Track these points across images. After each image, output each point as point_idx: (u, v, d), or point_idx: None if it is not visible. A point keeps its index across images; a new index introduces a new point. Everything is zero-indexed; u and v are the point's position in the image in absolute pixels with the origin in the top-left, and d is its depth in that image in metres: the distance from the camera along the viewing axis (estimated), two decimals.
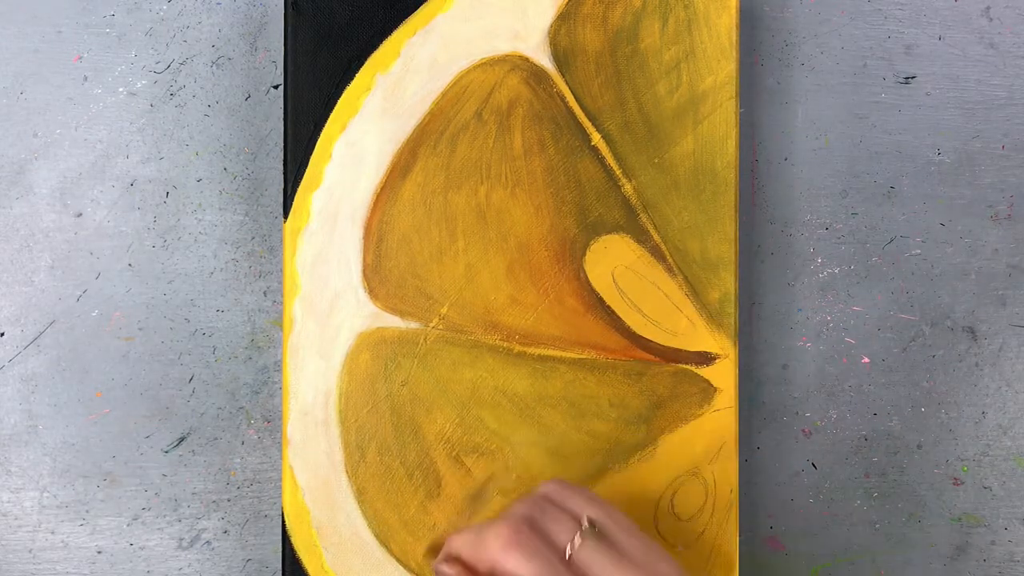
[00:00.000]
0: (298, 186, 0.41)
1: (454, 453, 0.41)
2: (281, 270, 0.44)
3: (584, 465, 0.42)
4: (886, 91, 0.46)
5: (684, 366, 0.42)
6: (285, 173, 0.41)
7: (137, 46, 0.44)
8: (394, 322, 0.41)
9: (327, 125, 0.41)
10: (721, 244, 0.42)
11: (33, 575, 0.43)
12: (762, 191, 0.45)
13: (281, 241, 0.44)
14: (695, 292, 0.42)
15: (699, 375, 0.42)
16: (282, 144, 0.42)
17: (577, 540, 0.34)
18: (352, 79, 0.41)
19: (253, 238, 0.44)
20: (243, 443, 0.44)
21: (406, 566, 0.41)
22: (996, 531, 0.46)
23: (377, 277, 0.41)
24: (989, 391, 0.46)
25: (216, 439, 0.44)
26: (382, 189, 0.41)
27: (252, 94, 0.44)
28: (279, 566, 0.44)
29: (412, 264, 0.41)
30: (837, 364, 0.45)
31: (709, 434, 0.42)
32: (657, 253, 0.42)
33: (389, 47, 0.41)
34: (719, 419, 0.42)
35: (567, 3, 0.42)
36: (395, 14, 0.42)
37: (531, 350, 0.42)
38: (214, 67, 0.44)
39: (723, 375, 0.42)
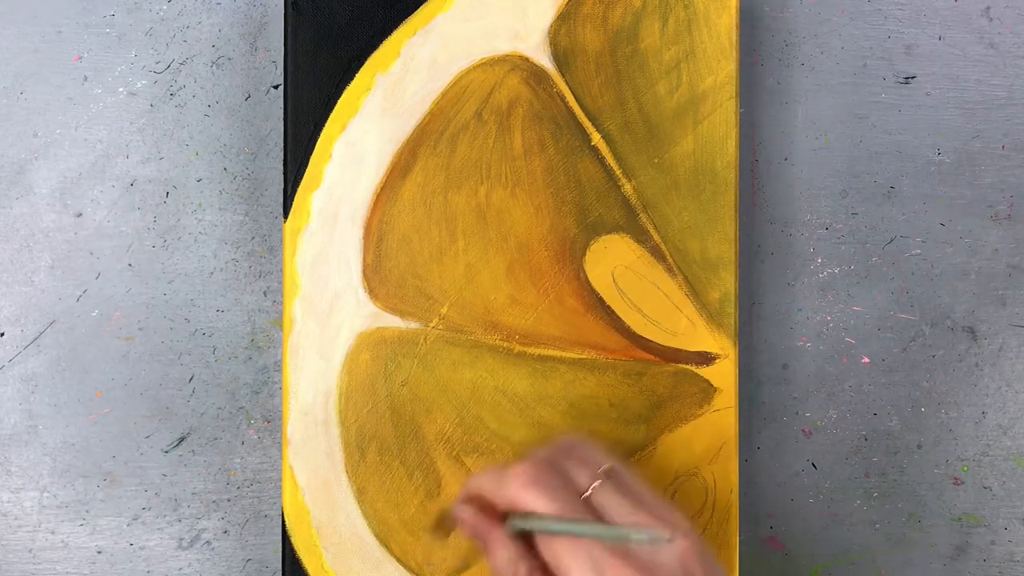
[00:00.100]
0: (298, 186, 0.41)
1: (454, 453, 0.41)
2: (281, 270, 0.44)
3: None
4: (886, 91, 0.46)
5: (684, 366, 0.42)
6: (285, 173, 0.41)
7: (137, 46, 0.44)
8: (394, 322, 0.41)
9: (327, 125, 0.41)
10: (721, 244, 0.42)
11: (33, 575, 0.43)
12: (762, 191, 0.45)
13: (281, 241, 0.44)
14: (695, 292, 0.42)
15: (699, 375, 0.42)
16: (282, 144, 0.42)
17: (596, 483, 0.34)
18: (352, 79, 0.41)
19: (253, 238, 0.44)
20: (243, 443, 0.44)
21: (406, 566, 0.41)
22: (996, 531, 0.46)
23: (377, 277, 0.41)
24: (989, 391, 0.46)
25: (216, 439, 0.44)
26: (382, 189, 0.41)
27: (252, 94, 0.44)
28: (279, 566, 0.44)
29: (412, 264, 0.42)
30: (837, 364, 0.45)
31: (709, 434, 0.42)
32: (657, 253, 0.42)
33: (389, 47, 0.41)
34: (719, 419, 0.42)
35: (567, 3, 0.42)
36: (395, 14, 0.42)
37: (531, 350, 0.42)
38: (214, 67, 0.44)
39: (723, 375, 0.42)
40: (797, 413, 0.45)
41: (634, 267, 0.42)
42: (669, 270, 0.42)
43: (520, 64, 0.42)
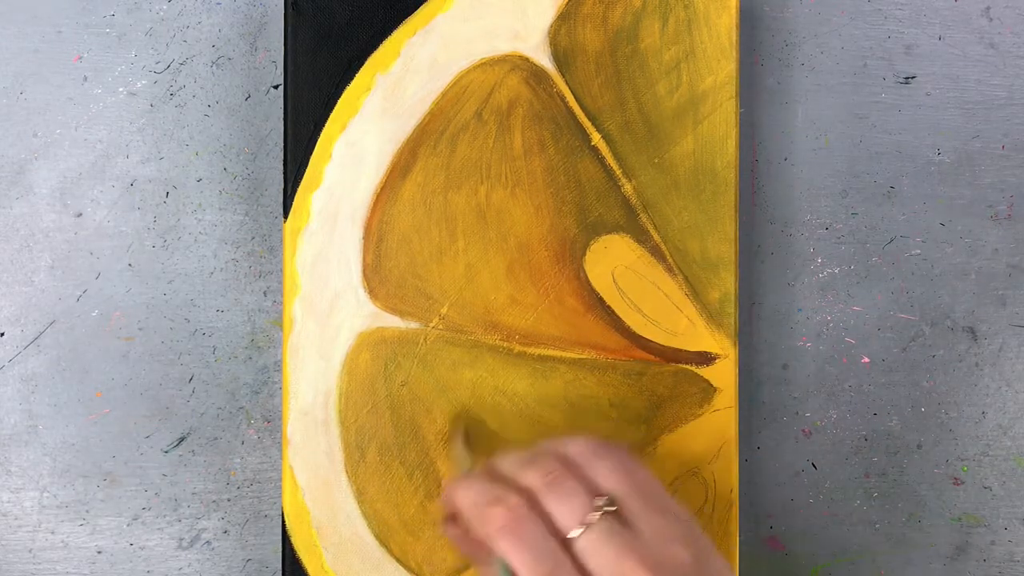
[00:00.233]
0: (298, 186, 0.41)
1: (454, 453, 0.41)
2: (281, 270, 0.44)
3: None
4: (886, 91, 0.46)
5: (684, 366, 0.42)
6: (285, 173, 0.41)
7: (137, 46, 0.44)
8: (394, 322, 0.41)
9: (327, 125, 0.41)
10: (721, 244, 0.42)
11: (33, 575, 0.43)
12: (762, 191, 0.45)
13: (281, 241, 0.44)
14: (695, 292, 0.42)
15: (699, 375, 0.42)
16: (282, 144, 0.42)
17: (589, 519, 0.31)
18: (352, 79, 0.41)
19: (253, 238, 0.44)
20: (243, 443, 0.44)
21: (406, 566, 0.41)
22: (996, 531, 0.46)
23: (377, 277, 0.41)
24: (989, 391, 0.46)
25: (216, 439, 0.44)
26: (382, 189, 0.41)
27: (252, 94, 0.44)
28: (279, 566, 0.44)
29: (412, 264, 0.42)
30: (837, 364, 0.45)
31: (709, 434, 0.42)
32: (657, 253, 0.42)
33: (389, 47, 0.41)
34: (719, 419, 0.42)
35: (567, 3, 0.42)
36: (395, 14, 0.42)
37: (531, 350, 0.42)
38: (214, 67, 0.44)
39: (723, 375, 0.42)
40: (797, 413, 0.45)
41: (634, 267, 0.42)
42: (669, 270, 0.42)
43: (520, 64, 0.42)
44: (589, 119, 0.42)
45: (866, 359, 0.46)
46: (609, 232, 0.42)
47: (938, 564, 0.46)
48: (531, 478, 0.33)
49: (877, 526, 0.45)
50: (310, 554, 0.41)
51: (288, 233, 0.41)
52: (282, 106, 0.42)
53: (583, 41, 0.42)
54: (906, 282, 0.46)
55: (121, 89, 0.44)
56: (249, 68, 0.44)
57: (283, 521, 0.41)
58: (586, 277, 0.42)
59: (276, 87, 0.44)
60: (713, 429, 0.42)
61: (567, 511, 0.31)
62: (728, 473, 0.42)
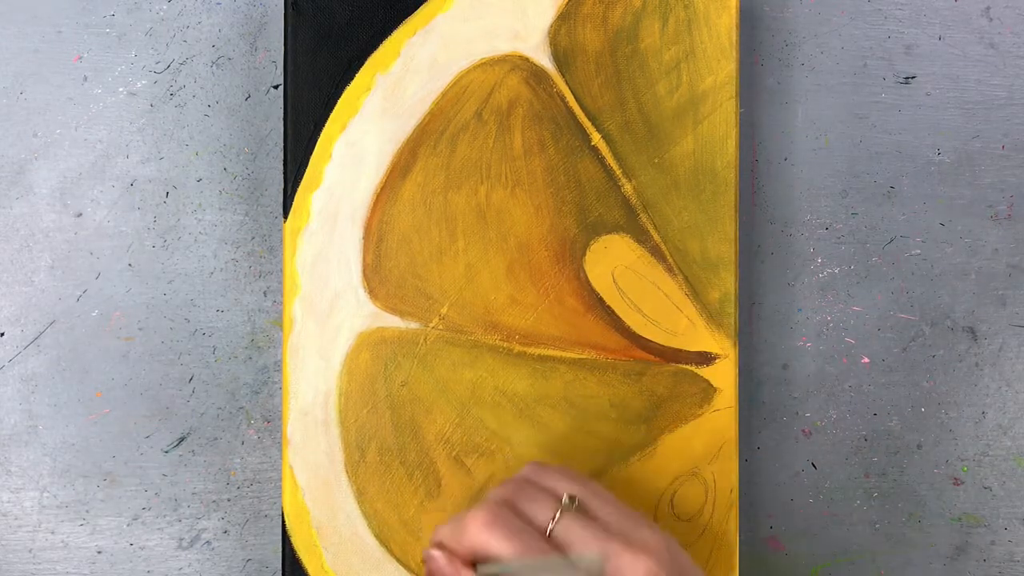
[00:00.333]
0: (298, 186, 0.41)
1: (454, 453, 0.41)
2: (281, 270, 0.44)
3: (584, 465, 0.42)
4: (886, 91, 0.46)
5: (684, 366, 0.42)
6: (285, 173, 0.41)
7: (137, 46, 0.44)
8: (394, 322, 0.41)
9: (327, 125, 0.41)
10: (721, 244, 0.42)
11: (33, 575, 0.43)
12: (762, 191, 0.45)
13: (281, 241, 0.44)
14: (695, 292, 0.42)
15: (699, 375, 0.42)
16: (282, 144, 0.42)
17: (556, 516, 0.33)
18: (352, 79, 0.41)
19: (253, 238, 0.44)
20: (243, 443, 0.44)
21: (406, 566, 0.41)
22: (996, 531, 0.46)
23: (377, 277, 0.41)
24: (989, 391, 0.46)
25: (216, 439, 0.44)
26: (382, 189, 0.41)
27: (252, 94, 0.44)
28: (279, 566, 0.44)
29: (412, 264, 0.42)
30: (837, 364, 0.45)
31: (709, 434, 0.42)
32: (657, 253, 0.42)
33: (389, 47, 0.41)
34: (719, 419, 0.42)
35: (567, 3, 0.42)
36: (395, 14, 0.42)
37: (531, 350, 0.42)
38: (214, 67, 0.44)
39: (723, 375, 0.42)
40: (797, 413, 0.45)
41: (634, 267, 0.42)
42: (669, 270, 0.42)
43: (520, 64, 0.42)
44: (589, 119, 0.42)
45: (866, 359, 0.46)
46: (609, 232, 0.42)
47: (938, 564, 0.46)
48: (498, 493, 0.35)
49: (877, 526, 0.46)
50: (310, 554, 0.41)
51: (288, 233, 0.41)
52: (282, 106, 0.42)
53: (583, 41, 0.42)
54: (906, 282, 0.46)
55: (121, 89, 0.44)
56: (249, 68, 0.44)
57: (283, 521, 0.41)
58: (586, 277, 0.42)
59: (276, 87, 0.44)
60: (713, 429, 0.42)
61: (538, 509, 0.34)
62: (728, 473, 0.42)
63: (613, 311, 0.42)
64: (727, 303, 0.42)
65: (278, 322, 0.44)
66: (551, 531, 0.33)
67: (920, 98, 0.46)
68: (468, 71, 0.42)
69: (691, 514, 0.42)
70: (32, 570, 0.43)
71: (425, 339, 0.41)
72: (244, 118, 0.44)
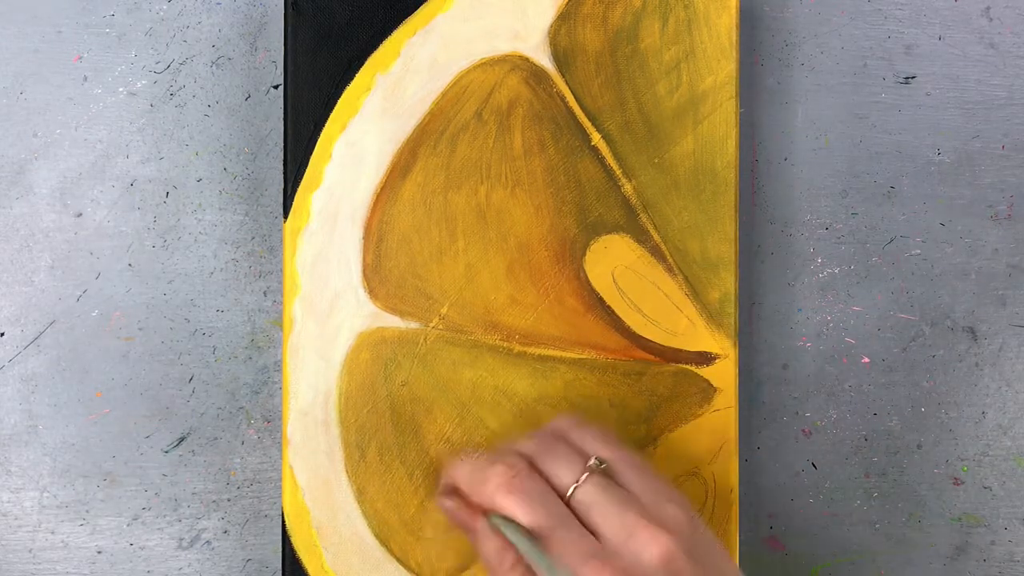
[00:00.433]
0: (298, 186, 0.41)
1: (455, 453, 0.41)
2: (281, 270, 0.44)
3: None
4: (886, 91, 0.46)
5: (684, 366, 0.42)
6: (285, 173, 0.41)
7: (137, 46, 0.44)
8: (394, 322, 0.41)
9: (327, 125, 0.41)
10: (721, 244, 0.42)
11: (33, 575, 0.43)
12: (762, 191, 0.45)
13: (281, 241, 0.44)
14: (695, 292, 0.42)
15: (699, 375, 0.42)
16: (282, 144, 0.42)
17: (581, 479, 0.32)
18: (352, 79, 0.41)
19: (253, 238, 0.44)
20: (243, 443, 0.44)
21: (406, 566, 0.41)
22: (996, 531, 0.46)
23: (377, 277, 0.41)
24: (989, 391, 0.46)
25: (216, 439, 0.44)
26: (382, 189, 0.42)
27: (252, 94, 0.44)
28: (279, 566, 0.44)
29: (412, 264, 0.42)
30: (837, 364, 0.45)
31: (709, 434, 0.42)
32: (657, 253, 0.42)
33: (389, 47, 0.41)
34: (719, 419, 0.42)
35: (567, 3, 0.42)
36: (395, 14, 0.42)
37: (531, 350, 0.42)
38: (214, 67, 0.44)
39: (723, 375, 0.42)
40: (797, 413, 0.45)
41: (634, 267, 0.42)
42: (669, 270, 0.42)
43: (520, 64, 0.42)
44: (589, 119, 0.42)
45: (866, 359, 0.46)
46: (609, 232, 0.42)
47: (938, 564, 0.46)
48: (525, 447, 0.34)
49: (877, 526, 0.46)
50: (310, 554, 0.41)
51: (288, 233, 0.41)
52: (282, 106, 0.42)
53: (583, 41, 0.42)
54: (906, 282, 0.46)
55: (121, 89, 0.44)
56: (249, 68, 0.44)
57: (283, 521, 0.41)
58: (586, 277, 0.42)
59: (276, 87, 0.44)
60: (713, 429, 0.42)
61: (563, 470, 0.33)
62: (728, 473, 0.42)
63: (613, 311, 0.42)
64: (727, 303, 0.42)
65: (278, 322, 0.44)
66: (572, 494, 0.32)
67: (920, 98, 0.46)
68: (468, 71, 0.42)
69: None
70: (32, 570, 0.43)
71: (425, 339, 0.41)
72: (244, 118, 0.44)
